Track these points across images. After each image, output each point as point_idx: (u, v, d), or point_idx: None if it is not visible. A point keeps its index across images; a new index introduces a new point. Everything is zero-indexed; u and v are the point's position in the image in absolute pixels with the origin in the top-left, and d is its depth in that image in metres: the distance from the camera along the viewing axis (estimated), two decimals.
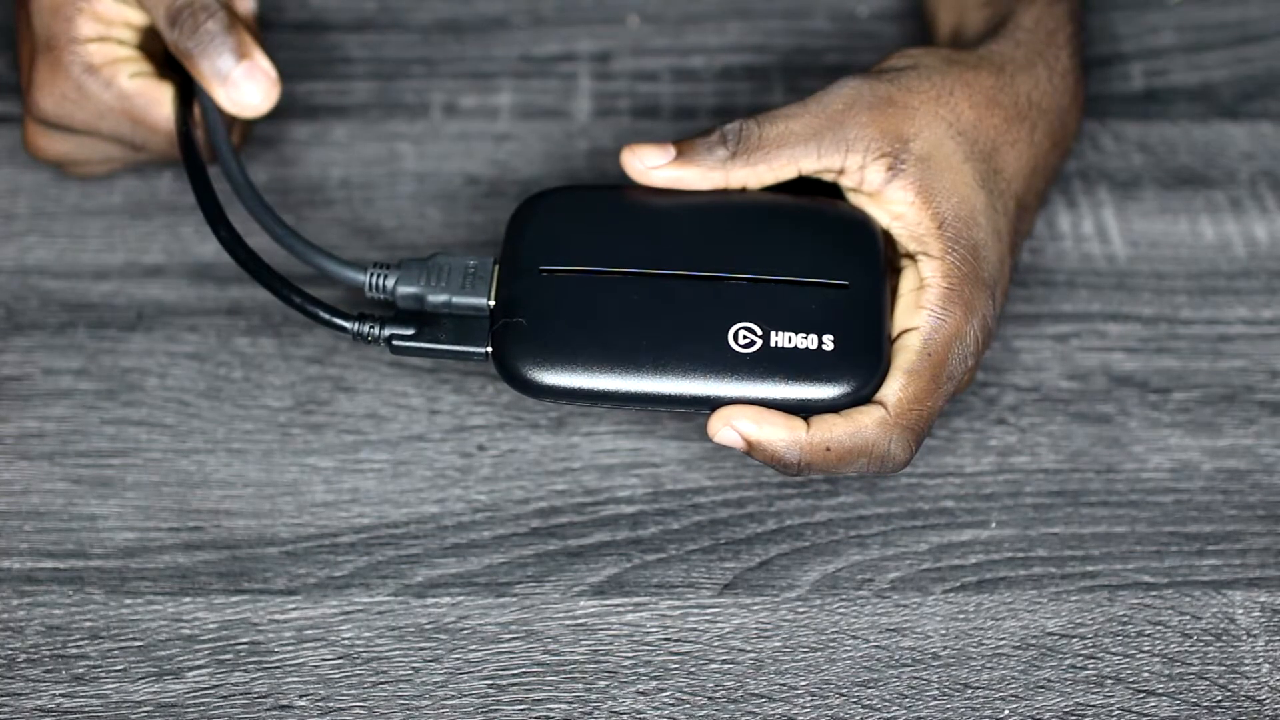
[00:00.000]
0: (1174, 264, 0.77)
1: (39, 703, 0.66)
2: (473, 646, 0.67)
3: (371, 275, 0.68)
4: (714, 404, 0.65)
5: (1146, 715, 0.66)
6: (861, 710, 0.66)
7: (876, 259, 0.67)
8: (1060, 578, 0.69)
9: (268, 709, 0.66)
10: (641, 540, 0.70)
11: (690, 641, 0.67)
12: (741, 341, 0.66)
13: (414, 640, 0.67)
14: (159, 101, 0.72)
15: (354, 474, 0.71)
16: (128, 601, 0.68)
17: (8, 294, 0.75)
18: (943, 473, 0.71)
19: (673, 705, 0.66)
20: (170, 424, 0.72)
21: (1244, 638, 0.68)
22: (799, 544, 0.70)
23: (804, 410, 0.65)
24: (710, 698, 0.66)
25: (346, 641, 0.67)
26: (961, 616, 0.68)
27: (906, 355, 0.66)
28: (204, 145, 0.73)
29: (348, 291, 0.73)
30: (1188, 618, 0.68)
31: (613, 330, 0.65)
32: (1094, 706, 0.66)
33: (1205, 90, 0.82)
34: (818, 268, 0.67)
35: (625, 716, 0.66)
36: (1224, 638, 0.68)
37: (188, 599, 0.68)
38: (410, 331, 0.67)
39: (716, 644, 0.67)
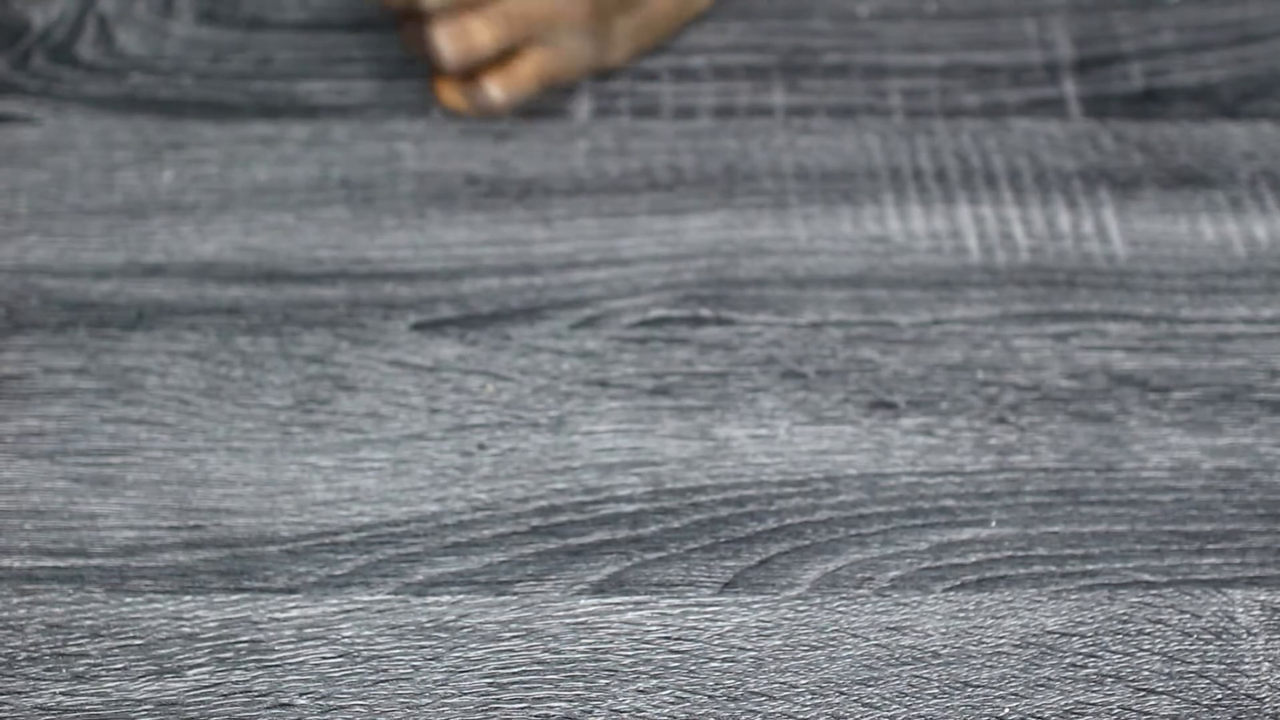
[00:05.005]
0: (1174, 263, 0.77)
1: (39, 701, 0.66)
2: (473, 645, 0.67)
3: None
4: None
5: (1146, 714, 0.66)
6: (861, 708, 0.66)
7: None
8: (1060, 576, 0.69)
9: (268, 707, 0.66)
10: (642, 539, 0.70)
11: (690, 640, 0.67)
12: None
13: (414, 639, 0.67)
14: None
15: (354, 473, 0.71)
16: (128, 600, 0.68)
17: (8, 293, 0.75)
18: (943, 471, 0.71)
19: (673, 703, 0.66)
20: (170, 423, 0.72)
21: (1244, 636, 0.68)
22: (799, 542, 0.70)
23: None
24: (710, 696, 0.66)
25: (347, 640, 0.67)
26: (961, 615, 0.68)
27: None
28: None
29: None
30: (1188, 616, 0.68)
31: None
32: (1094, 705, 0.66)
33: (1205, 90, 0.82)
34: None
35: (625, 715, 0.66)
36: (1224, 636, 0.68)
37: (188, 597, 0.68)
38: None
39: (716, 642, 0.67)
